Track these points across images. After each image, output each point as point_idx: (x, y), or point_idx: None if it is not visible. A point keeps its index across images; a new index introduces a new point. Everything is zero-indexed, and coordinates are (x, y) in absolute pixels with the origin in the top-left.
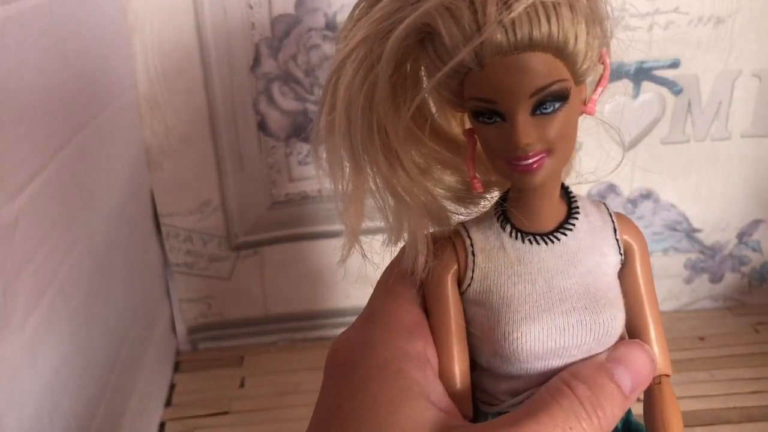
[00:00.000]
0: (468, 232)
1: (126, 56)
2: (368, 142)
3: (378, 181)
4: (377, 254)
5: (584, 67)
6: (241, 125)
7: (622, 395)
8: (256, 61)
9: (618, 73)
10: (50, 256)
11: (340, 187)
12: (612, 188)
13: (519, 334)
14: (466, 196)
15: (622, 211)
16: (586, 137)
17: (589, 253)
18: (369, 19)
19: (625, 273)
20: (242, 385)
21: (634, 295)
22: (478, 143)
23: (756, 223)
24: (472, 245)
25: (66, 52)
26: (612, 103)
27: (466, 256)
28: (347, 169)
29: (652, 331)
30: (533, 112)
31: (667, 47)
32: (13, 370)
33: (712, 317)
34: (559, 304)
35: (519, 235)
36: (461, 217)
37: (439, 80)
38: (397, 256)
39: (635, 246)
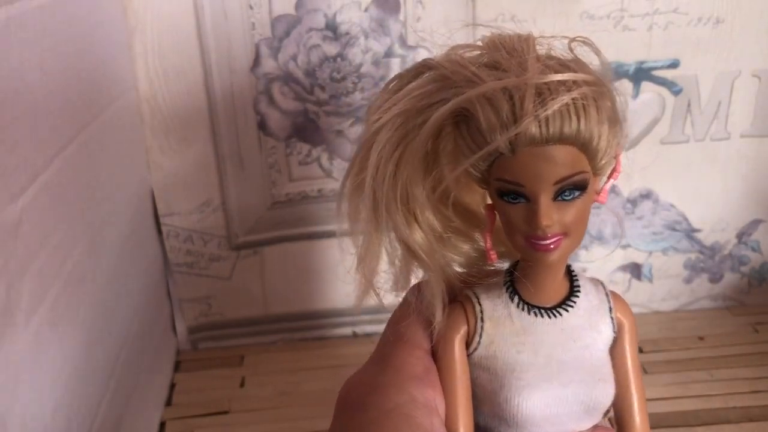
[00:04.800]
0: (478, 299)
1: (126, 57)
2: (392, 202)
3: (394, 239)
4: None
5: (603, 162)
6: (241, 125)
7: None
8: (256, 61)
9: (617, 73)
10: (53, 256)
11: (359, 240)
12: (611, 188)
13: (521, 400)
14: (475, 263)
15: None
16: None
17: (587, 329)
18: (407, 95)
19: (615, 348)
20: (242, 385)
21: (622, 370)
22: (497, 219)
23: (755, 223)
24: (481, 311)
25: (67, 53)
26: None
27: (476, 322)
28: (368, 226)
29: (636, 403)
30: (555, 198)
31: (667, 47)
32: (17, 370)
33: (711, 317)
34: (558, 375)
35: (526, 306)
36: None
37: (474, 160)
38: (405, 299)
39: (626, 324)
